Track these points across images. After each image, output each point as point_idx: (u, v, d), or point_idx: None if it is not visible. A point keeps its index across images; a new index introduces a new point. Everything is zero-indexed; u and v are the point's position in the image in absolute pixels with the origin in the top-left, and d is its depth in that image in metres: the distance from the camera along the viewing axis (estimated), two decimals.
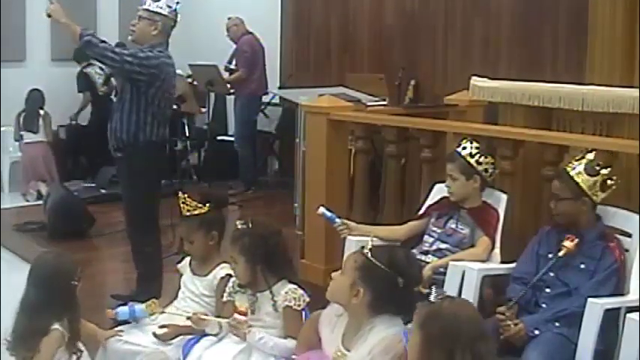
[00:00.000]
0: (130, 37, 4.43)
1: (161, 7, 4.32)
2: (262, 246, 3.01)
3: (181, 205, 3.35)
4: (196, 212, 3.33)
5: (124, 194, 4.47)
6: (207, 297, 3.34)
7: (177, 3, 4.39)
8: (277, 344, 2.93)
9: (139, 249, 4.48)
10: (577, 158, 3.37)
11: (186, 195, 3.37)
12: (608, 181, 3.31)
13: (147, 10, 4.33)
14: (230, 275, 3.25)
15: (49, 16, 4.17)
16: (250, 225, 3.07)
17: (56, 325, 2.88)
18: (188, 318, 3.09)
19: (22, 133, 8.11)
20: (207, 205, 3.34)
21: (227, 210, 3.70)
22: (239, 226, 3.07)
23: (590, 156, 3.33)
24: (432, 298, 2.27)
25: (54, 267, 2.97)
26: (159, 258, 4.49)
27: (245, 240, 3.02)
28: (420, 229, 3.89)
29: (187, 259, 3.48)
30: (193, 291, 3.36)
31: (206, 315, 3.12)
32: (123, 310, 3.24)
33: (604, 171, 3.30)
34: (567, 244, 3.22)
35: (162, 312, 3.27)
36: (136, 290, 4.36)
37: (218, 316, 3.15)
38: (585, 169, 3.28)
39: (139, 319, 3.28)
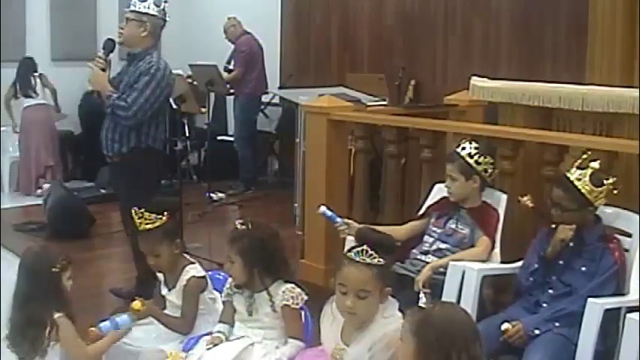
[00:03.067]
0: (118, 40, 4.31)
1: (148, 7, 4.21)
2: (261, 248, 2.99)
3: (138, 221, 3.24)
4: (157, 224, 3.24)
5: (122, 198, 4.42)
6: None
7: (165, 1, 4.27)
8: (285, 353, 2.91)
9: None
10: (578, 164, 3.29)
11: (142, 210, 3.25)
12: (614, 190, 3.27)
13: (134, 11, 4.22)
14: (194, 277, 3.23)
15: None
16: (249, 226, 3.05)
17: (57, 315, 2.86)
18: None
19: (20, 98, 7.84)
20: (165, 214, 3.26)
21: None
22: (238, 227, 3.05)
23: (596, 165, 3.25)
24: (421, 303, 2.26)
25: (37, 257, 2.94)
26: None
27: (244, 241, 2.99)
28: (420, 229, 3.89)
29: (160, 276, 3.39)
30: (174, 304, 3.30)
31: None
32: (105, 325, 3.08)
33: (609, 181, 3.25)
34: None
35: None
36: (135, 290, 4.36)
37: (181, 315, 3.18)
38: (591, 180, 3.22)
39: (126, 329, 3.24)
